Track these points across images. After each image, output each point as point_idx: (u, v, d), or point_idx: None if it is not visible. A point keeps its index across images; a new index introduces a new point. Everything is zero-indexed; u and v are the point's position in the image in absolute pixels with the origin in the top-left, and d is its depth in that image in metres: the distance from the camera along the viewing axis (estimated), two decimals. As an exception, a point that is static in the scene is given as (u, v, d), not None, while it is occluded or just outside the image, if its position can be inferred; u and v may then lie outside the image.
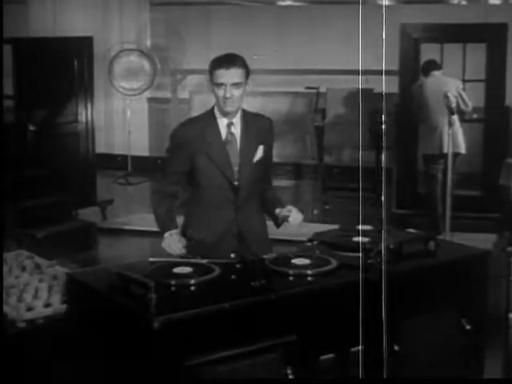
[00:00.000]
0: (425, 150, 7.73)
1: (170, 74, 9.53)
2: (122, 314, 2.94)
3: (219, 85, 3.55)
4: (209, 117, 3.69)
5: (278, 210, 3.70)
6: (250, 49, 10.21)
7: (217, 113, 3.67)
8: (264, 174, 3.80)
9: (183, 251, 3.52)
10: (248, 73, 3.60)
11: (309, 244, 3.59)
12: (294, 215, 3.63)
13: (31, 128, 7.72)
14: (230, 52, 3.63)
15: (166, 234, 3.61)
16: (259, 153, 3.71)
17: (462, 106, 7.44)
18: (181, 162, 3.67)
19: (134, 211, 8.86)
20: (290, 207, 3.68)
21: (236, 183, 3.66)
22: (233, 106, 3.60)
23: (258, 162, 3.72)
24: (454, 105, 7.00)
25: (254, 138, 3.70)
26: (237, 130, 3.68)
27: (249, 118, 3.71)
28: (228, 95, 3.55)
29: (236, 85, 3.55)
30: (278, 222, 3.72)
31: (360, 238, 3.49)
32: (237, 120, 3.68)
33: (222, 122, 3.67)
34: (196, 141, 3.63)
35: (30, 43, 8.43)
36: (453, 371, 3.48)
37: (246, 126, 3.69)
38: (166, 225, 3.64)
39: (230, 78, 3.53)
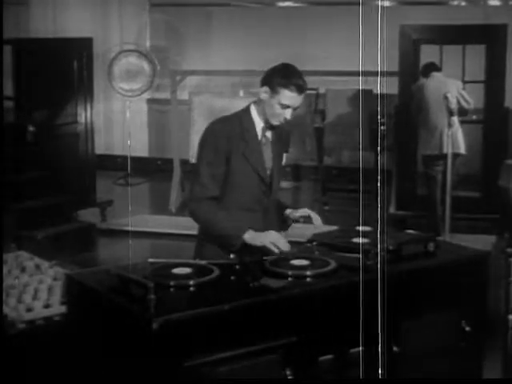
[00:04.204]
0: (424, 151, 7.73)
1: (169, 75, 9.52)
2: (122, 315, 2.94)
3: (284, 106, 3.46)
4: (245, 116, 3.59)
5: (288, 211, 3.66)
6: (250, 50, 10.26)
7: (255, 115, 3.58)
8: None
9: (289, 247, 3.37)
10: None
11: (308, 245, 3.59)
12: (315, 218, 3.58)
13: (31, 129, 7.72)
14: (295, 68, 3.50)
15: (251, 234, 3.41)
16: (283, 159, 3.72)
17: (464, 104, 7.45)
18: (218, 163, 3.52)
19: (133, 212, 8.87)
20: (305, 210, 3.62)
21: (268, 186, 3.62)
22: (281, 122, 3.54)
23: (282, 168, 3.73)
24: (453, 106, 7.01)
25: (281, 144, 3.69)
26: (269, 134, 3.63)
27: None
28: (289, 117, 3.50)
29: (297, 108, 3.51)
30: (288, 223, 3.66)
31: (360, 239, 3.50)
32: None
33: (259, 124, 3.59)
34: (232, 140, 3.52)
35: (30, 44, 8.45)
36: (452, 373, 3.48)
37: (276, 132, 3.64)
38: (240, 228, 3.45)
39: (298, 102, 3.48)
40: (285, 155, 3.72)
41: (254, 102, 3.59)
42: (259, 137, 3.60)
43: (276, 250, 3.35)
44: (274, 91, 3.46)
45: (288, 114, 3.49)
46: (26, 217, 7.10)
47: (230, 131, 3.54)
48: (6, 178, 6.20)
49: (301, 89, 3.45)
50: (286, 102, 3.46)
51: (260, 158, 3.59)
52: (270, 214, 3.67)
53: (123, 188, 10.32)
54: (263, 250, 3.38)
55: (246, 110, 3.61)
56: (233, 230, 3.45)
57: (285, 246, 3.37)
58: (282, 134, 3.69)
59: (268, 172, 3.63)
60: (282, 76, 3.46)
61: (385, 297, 2.90)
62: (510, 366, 4.44)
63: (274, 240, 3.38)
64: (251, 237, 3.42)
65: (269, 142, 3.63)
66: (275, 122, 3.54)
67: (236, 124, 3.57)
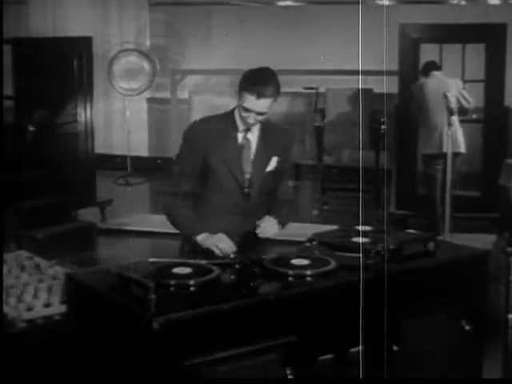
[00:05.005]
0: (424, 150, 7.73)
1: (169, 75, 9.53)
2: (122, 314, 2.94)
3: (245, 109, 3.44)
4: (228, 118, 3.57)
5: (258, 222, 3.59)
6: (250, 49, 10.25)
7: (237, 117, 3.55)
8: (276, 186, 3.70)
9: (234, 249, 3.40)
10: (278, 94, 3.47)
11: (308, 244, 3.59)
12: (264, 226, 3.55)
13: (31, 128, 7.72)
14: (266, 74, 3.46)
15: (203, 236, 3.49)
16: (272, 164, 3.61)
17: (464, 103, 7.45)
18: (194, 163, 3.54)
19: (133, 211, 8.87)
20: (267, 217, 3.58)
21: (246, 190, 3.57)
22: (251, 125, 3.52)
23: (270, 172, 3.62)
24: (453, 105, 7.02)
25: (269, 148, 3.60)
26: (253, 137, 3.58)
27: (268, 128, 3.59)
28: (251, 122, 3.47)
29: (262, 114, 3.46)
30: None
31: (360, 239, 3.50)
32: (255, 127, 3.57)
33: (240, 127, 3.56)
34: (211, 141, 3.52)
35: (30, 43, 8.43)
36: (452, 372, 3.48)
37: (263, 135, 3.59)
38: (196, 228, 3.53)
39: (258, 107, 3.43)
40: (275, 159, 3.61)
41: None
42: (239, 139, 3.57)
43: (218, 252, 3.39)
44: (239, 94, 3.46)
45: (251, 118, 3.46)
46: (25, 217, 7.10)
47: (210, 131, 3.54)
48: (6, 178, 6.19)
49: (260, 95, 3.40)
50: (245, 105, 3.44)
51: (237, 160, 3.56)
52: (251, 219, 3.59)
53: (123, 187, 10.32)
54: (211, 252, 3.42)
55: (231, 112, 3.59)
56: (188, 230, 3.54)
57: (227, 250, 3.38)
58: (272, 138, 3.61)
59: (247, 176, 3.58)
60: (247, 79, 3.45)
61: (386, 296, 2.91)
62: (510, 365, 4.44)
63: (217, 243, 3.42)
64: (203, 239, 3.49)
65: (250, 145, 3.58)
66: (244, 125, 3.52)
67: (219, 124, 3.57)
